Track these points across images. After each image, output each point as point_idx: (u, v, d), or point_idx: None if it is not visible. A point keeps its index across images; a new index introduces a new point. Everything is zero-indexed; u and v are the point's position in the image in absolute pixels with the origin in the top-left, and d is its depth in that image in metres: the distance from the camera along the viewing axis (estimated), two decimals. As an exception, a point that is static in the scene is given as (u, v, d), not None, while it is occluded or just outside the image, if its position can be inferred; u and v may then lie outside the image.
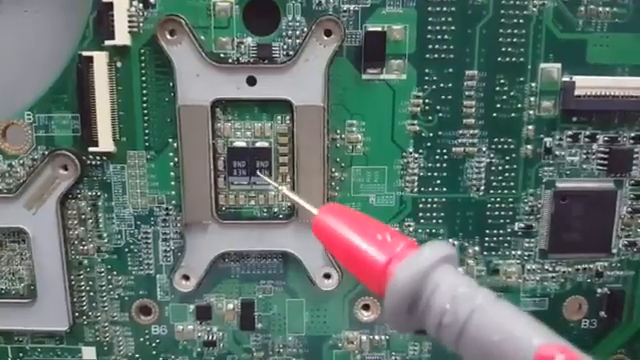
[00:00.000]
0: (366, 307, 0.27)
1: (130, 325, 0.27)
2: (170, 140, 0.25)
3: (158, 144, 0.25)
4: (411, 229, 0.26)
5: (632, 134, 0.26)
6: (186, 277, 0.26)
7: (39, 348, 0.27)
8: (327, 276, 0.26)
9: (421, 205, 0.26)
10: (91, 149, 0.24)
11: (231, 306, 0.27)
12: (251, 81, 0.24)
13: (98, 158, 0.25)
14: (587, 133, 0.25)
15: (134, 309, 0.27)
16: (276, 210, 0.26)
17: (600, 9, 0.24)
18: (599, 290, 0.27)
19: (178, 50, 0.23)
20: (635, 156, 0.26)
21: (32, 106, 0.24)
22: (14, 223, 0.24)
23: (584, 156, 0.26)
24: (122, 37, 0.23)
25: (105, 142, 0.24)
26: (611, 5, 0.24)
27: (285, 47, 0.24)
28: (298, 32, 0.24)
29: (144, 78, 0.24)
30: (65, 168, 0.24)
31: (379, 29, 0.24)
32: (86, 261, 0.26)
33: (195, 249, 0.25)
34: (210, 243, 0.25)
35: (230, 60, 0.24)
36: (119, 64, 0.24)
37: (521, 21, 0.24)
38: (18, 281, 0.26)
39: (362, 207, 0.26)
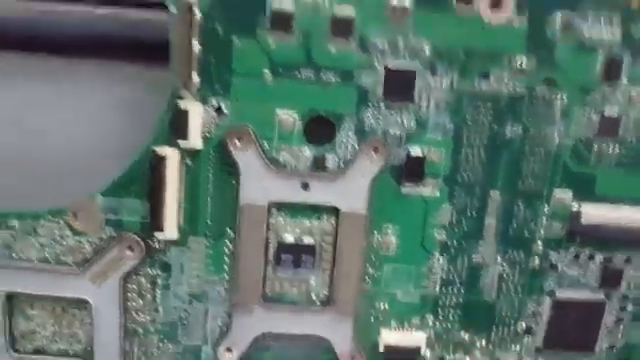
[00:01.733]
0: None
1: None
2: (227, 230, 0.26)
3: (217, 233, 0.26)
4: (430, 323, 0.28)
5: (625, 256, 0.28)
6: (229, 349, 0.27)
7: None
8: (353, 359, 0.28)
9: (440, 302, 0.28)
10: (158, 234, 0.25)
11: None
12: (305, 186, 0.26)
13: (162, 242, 0.26)
14: (587, 252, 0.27)
15: None
16: (314, 297, 0.27)
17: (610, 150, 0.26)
18: None
19: (244, 156, 0.25)
20: (625, 274, 0.29)
21: (105, 190, 0.25)
22: (78, 294, 0.25)
23: (582, 271, 0.28)
24: (195, 140, 0.24)
25: (170, 230, 0.25)
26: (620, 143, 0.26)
27: (337, 160, 0.26)
28: (350, 148, 0.26)
29: (211, 176, 0.25)
30: (131, 249, 0.25)
31: (419, 154, 0.26)
32: (141, 330, 0.27)
33: (240, 327, 0.26)
34: (254, 322, 0.27)
35: (288, 167, 0.26)
36: (189, 162, 0.25)
37: (542, 154, 0.26)
38: (77, 343, 0.27)
39: (389, 300, 0.27)
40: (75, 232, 0.25)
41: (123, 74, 0.27)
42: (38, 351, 0.27)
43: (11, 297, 0.26)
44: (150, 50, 0.26)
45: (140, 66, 0.26)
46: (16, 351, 0.26)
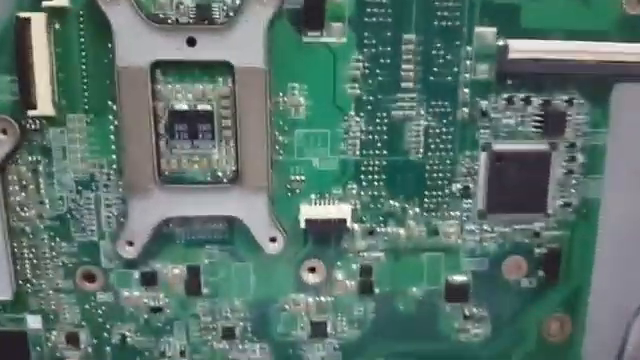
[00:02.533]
0: (312, 270, 0.28)
1: (75, 292, 0.28)
2: (110, 103, 0.25)
3: (98, 107, 0.25)
4: (354, 192, 0.27)
5: (565, 97, 0.27)
6: (130, 243, 0.26)
7: (-18, 318, 0.28)
8: (273, 240, 0.27)
9: (363, 168, 0.27)
10: (30, 112, 0.24)
11: (177, 271, 0.28)
12: (191, 42, 0.25)
13: (38, 122, 0.25)
14: (521, 96, 0.27)
15: (78, 276, 0.27)
16: (220, 174, 0.27)
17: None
18: (537, 250, 0.29)
19: (116, 11, 0.24)
20: (568, 119, 0.28)
21: None
22: None
23: (519, 119, 0.27)
24: None
25: (44, 105, 0.24)
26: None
27: (225, 8, 0.25)
28: None
29: (82, 40, 0.25)
30: (4, 132, 0.25)
31: None
32: (28, 228, 0.26)
33: (138, 214, 0.26)
34: (153, 208, 0.26)
35: (169, 21, 0.25)
36: (57, 26, 0.24)
37: None
38: (-43, 249, 0.27)
39: (305, 170, 0.27)
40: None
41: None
42: None
43: None
44: None
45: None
46: None
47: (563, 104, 0.28)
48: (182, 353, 0.29)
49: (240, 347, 0.29)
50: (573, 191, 0.28)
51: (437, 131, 0.27)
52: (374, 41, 0.26)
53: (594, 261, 0.30)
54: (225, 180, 0.26)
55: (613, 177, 0.29)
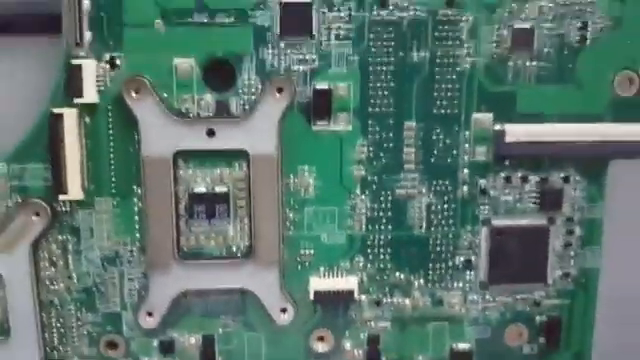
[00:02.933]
0: (321, 339, 0.31)
1: (99, 359, 0.31)
2: (134, 187, 0.29)
3: (123, 191, 0.29)
4: (361, 264, 0.30)
5: (562, 174, 0.30)
6: (150, 314, 0.30)
7: (11, 384, 0.31)
8: (283, 310, 0.30)
9: (369, 242, 0.30)
10: (62, 197, 0.28)
11: (193, 341, 0.30)
12: (211, 133, 0.28)
13: (68, 205, 0.29)
14: (519, 175, 0.30)
15: (102, 344, 0.30)
16: (234, 249, 0.30)
17: (527, 63, 0.29)
18: (538, 318, 0.32)
19: (142, 106, 0.28)
20: (565, 194, 0.30)
21: (7, 158, 0.28)
22: None
23: (518, 196, 0.30)
24: (90, 95, 0.27)
25: (74, 190, 0.28)
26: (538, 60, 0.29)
27: (242, 103, 0.28)
28: (253, 89, 0.28)
29: (110, 132, 0.28)
30: (37, 214, 0.28)
31: (325, 87, 0.28)
32: (57, 300, 0.30)
33: (158, 288, 0.29)
34: (172, 282, 0.29)
35: (191, 115, 0.28)
36: (87, 119, 0.28)
37: (454, 77, 0.28)
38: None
39: (315, 245, 0.30)
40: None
41: (13, 45, 0.28)
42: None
43: None
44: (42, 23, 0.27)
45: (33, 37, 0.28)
46: None
47: (560, 181, 0.31)
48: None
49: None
50: (572, 262, 0.31)
51: (439, 207, 0.30)
52: (377, 128, 0.29)
53: (594, 327, 0.32)
54: (239, 255, 0.30)
55: (610, 248, 0.31)
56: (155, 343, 0.30)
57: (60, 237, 0.29)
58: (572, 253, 0.30)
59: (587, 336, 0.32)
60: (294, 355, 0.31)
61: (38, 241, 0.28)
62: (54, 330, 0.30)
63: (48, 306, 0.30)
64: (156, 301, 0.29)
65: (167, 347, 0.30)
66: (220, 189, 0.28)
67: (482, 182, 0.29)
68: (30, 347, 0.29)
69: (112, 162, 0.28)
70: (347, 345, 0.30)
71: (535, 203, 0.30)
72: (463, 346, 0.31)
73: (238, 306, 0.30)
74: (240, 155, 0.28)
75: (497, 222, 0.30)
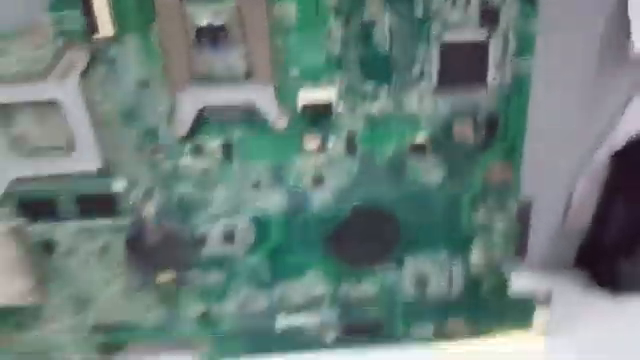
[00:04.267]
0: (310, 139, 0.39)
1: (146, 163, 0.39)
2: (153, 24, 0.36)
3: (145, 28, 0.35)
4: (337, 79, 0.36)
5: None
6: (180, 124, 0.38)
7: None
8: (280, 119, 0.38)
9: (343, 61, 0.36)
10: (95, 35, 0.35)
11: (215, 145, 0.38)
12: None
13: (102, 41, 0.35)
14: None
15: (148, 152, 0.39)
16: (238, 71, 0.37)
17: None
18: (479, 117, 0.40)
19: None
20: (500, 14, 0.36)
21: (49, 7, 0.35)
22: (48, 95, 0.36)
23: (464, 15, 0.36)
24: None
25: (105, 29, 0.35)
26: None
27: None
28: None
29: None
30: (80, 51, 0.35)
31: None
32: (106, 119, 0.38)
33: (182, 104, 0.36)
34: (192, 100, 0.36)
35: None
36: None
37: None
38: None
39: (300, 66, 0.36)
40: (36, 47, 0.33)
41: None
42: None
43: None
44: None
45: None
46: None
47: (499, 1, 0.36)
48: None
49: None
50: (506, 72, 0.38)
51: (399, 29, 0.36)
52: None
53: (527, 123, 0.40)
54: (241, 76, 0.37)
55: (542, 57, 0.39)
56: (187, 148, 0.39)
57: (100, 68, 0.36)
58: (507, 63, 0.37)
59: (521, 129, 0.40)
60: (292, 151, 0.39)
61: (85, 72, 0.36)
62: (108, 144, 0.38)
63: (99, 125, 0.37)
64: (182, 116, 0.37)
65: (196, 150, 0.39)
66: (218, 22, 0.35)
67: (435, 3, 0.35)
68: (91, 159, 0.37)
69: (133, 3, 0.35)
70: (330, 143, 0.39)
71: (477, 21, 0.36)
72: (420, 139, 0.39)
73: (246, 118, 0.38)
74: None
75: (446, 37, 0.36)
